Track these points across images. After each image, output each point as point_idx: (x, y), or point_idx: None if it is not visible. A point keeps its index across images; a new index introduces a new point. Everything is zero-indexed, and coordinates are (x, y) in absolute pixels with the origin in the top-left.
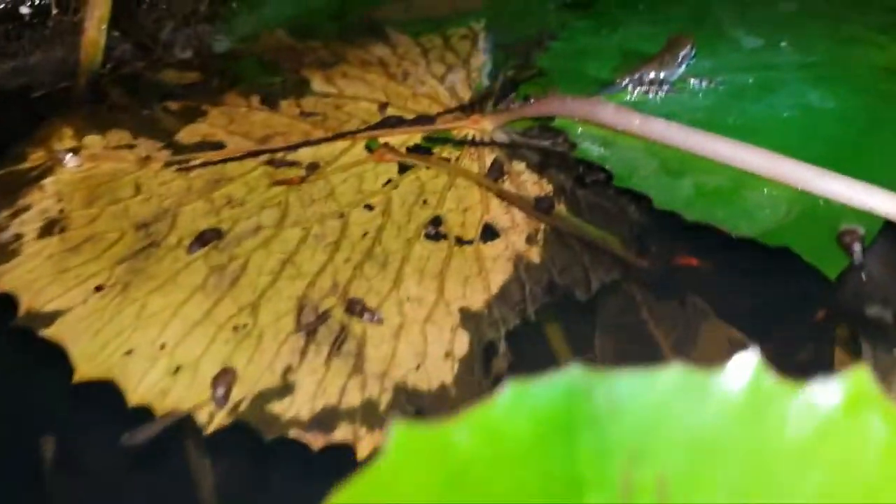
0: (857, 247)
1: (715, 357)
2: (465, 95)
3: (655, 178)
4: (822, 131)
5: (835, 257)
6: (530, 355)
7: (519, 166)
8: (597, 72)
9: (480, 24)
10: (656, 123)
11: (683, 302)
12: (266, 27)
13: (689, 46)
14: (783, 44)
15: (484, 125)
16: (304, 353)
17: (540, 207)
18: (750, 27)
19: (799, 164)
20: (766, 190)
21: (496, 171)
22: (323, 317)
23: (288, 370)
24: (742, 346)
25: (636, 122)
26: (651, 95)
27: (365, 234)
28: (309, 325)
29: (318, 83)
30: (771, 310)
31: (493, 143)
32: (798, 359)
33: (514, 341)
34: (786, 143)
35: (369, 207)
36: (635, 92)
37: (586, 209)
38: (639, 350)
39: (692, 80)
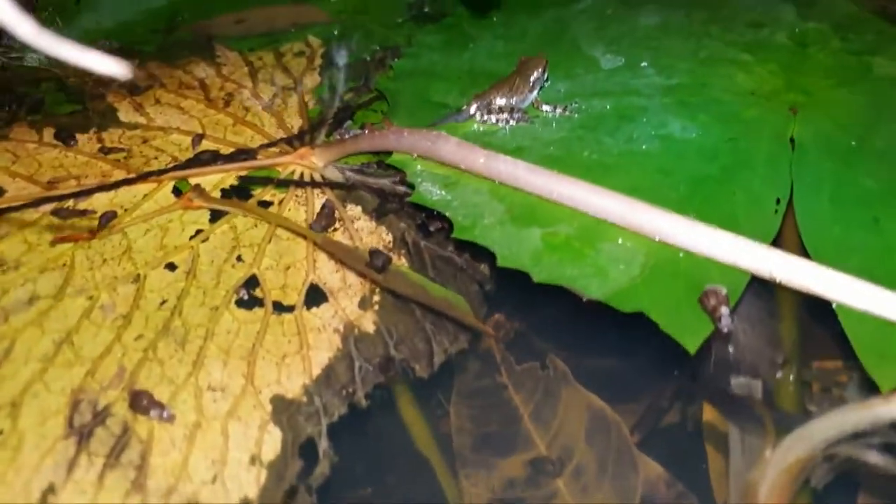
0: (723, 311)
1: (576, 429)
2: (295, 123)
3: (501, 229)
4: (683, 168)
5: (696, 324)
6: (369, 440)
7: (354, 210)
8: (443, 96)
9: (319, 39)
10: (502, 162)
11: (543, 364)
12: (82, 41)
13: (541, 69)
14: (643, 64)
15: (313, 160)
16: (73, 465)
17: (375, 264)
18: (609, 44)
19: (656, 211)
20: (621, 240)
21: (326, 218)
22: (101, 415)
23: (49, 490)
24: (602, 416)
25: (480, 160)
26: (501, 125)
27: (163, 303)
28: (83, 426)
29: (125, 112)
30: (632, 372)
31: (323, 184)
32: (662, 425)
33: (341, 431)
34: (644, 182)
35: (171, 267)
36: (484, 120)
37: (430, 263)
38: (498, 418)
39: (545, 107)
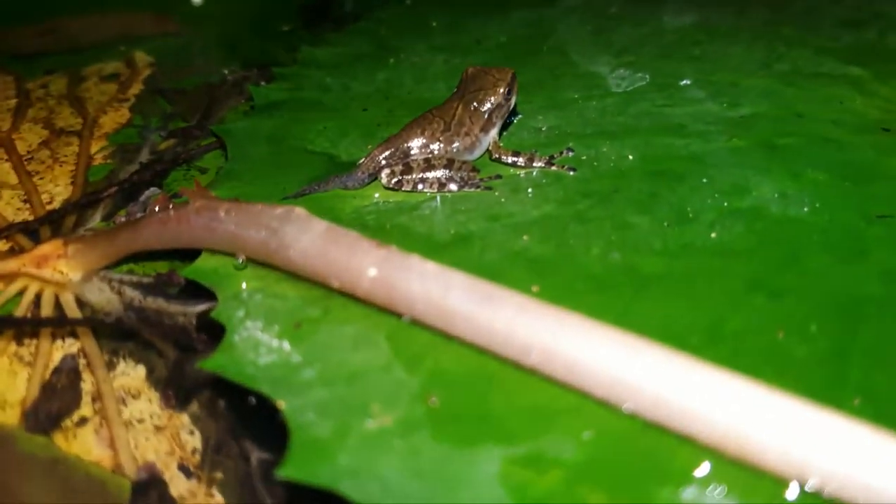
0: None
1: None
2: (58, 193)
3: (406, 464)
4: (802, 285)
5: None
6: None
7: (129, 378)
8: (327, 141)
9: (152, 56)
10: (418, 279)
11: None
12: None
13: (504, 91)
14: (685, 82)
15: (62, 269)
16: None
17: None
18: (619, 53)
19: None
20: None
21: (59, 401)
22: None
23: None
24: None
25: (369, 273)
26: (429, 193)
27: None
28: None
29: None
30: None
31: (73, 321)
32: None
33: None
34: (722, 317)
35: None
36: (395, 186)
37: None
38: None
39: (511, 158)
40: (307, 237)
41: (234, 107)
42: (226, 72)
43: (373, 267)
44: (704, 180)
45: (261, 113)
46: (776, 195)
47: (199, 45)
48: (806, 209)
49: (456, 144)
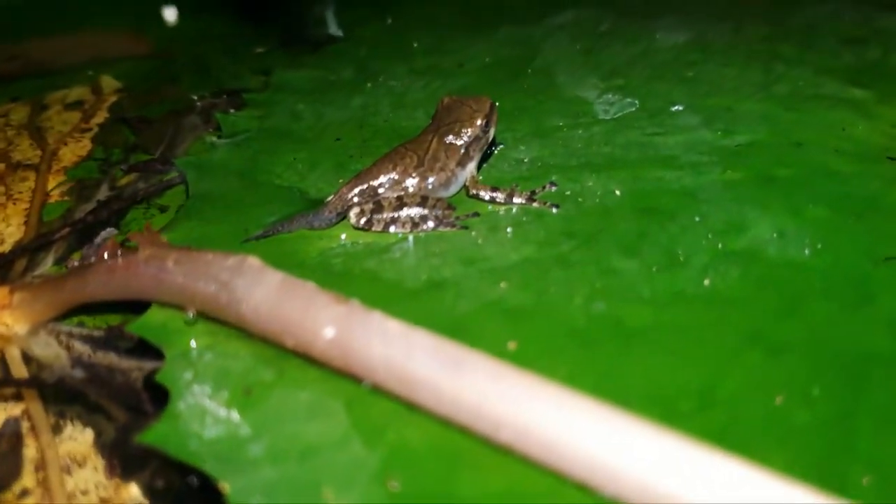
0: None
1: None
2: (9, 234)
3: None
4: (803, 340)
5: None
6: None
7: (75, 443)
8: (294, 175)
9: (121, 82)
10: (379, 342)
11: None
12: None
13: (482, 121)
14: (676, 107)
15: (6, 320)
16: None
17: None
18: (608, 76)
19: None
20: None
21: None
22: None
23: None
24: None
25: (325, 335)
26: (400, 234)
27: None
28: None
29: None
30: None
31: (17, 383)
32: None
33: None
34: (715, 380)
35: None
36: (365, 226)
37: None
38: None
39: (489, 194)
40: (260, 291)
41: (200, 137)
42: (195, 98)
43: (329, 326)
44: (697, 218)
45: (228, 144)
46: (774, 235)
47: (171, 68)
48: (807, 251)
49: (430, 180)
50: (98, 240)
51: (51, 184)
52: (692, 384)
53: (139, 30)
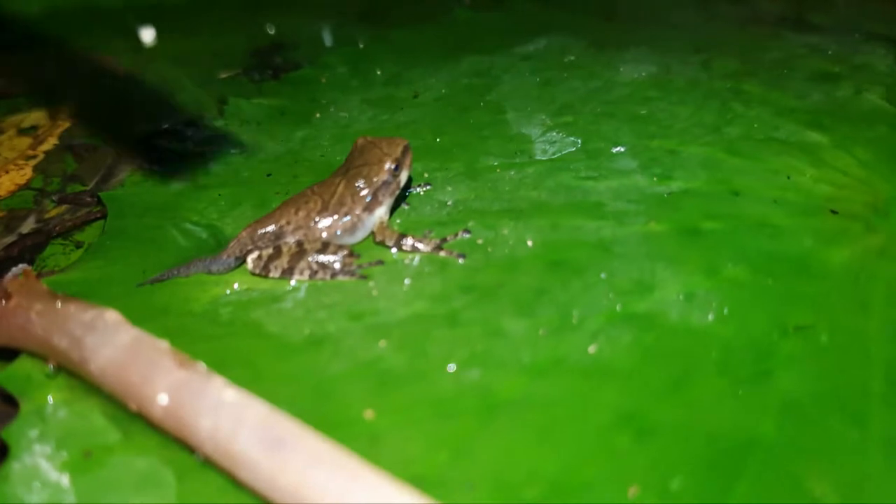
0: None
1: None
2: None
3: None
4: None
5: None
6: None
7: None
8: (212, 214)
9: (80, 106)
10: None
11: None
12: None
13: (390, 165)
14: (618, 149)
15: None
16: None
17: None
18: (559, 112)
19: None
20: None
21: None
22: None
23: None
24: None
25: (159, 401)
26: (293, 283)
27: None
28: None
29: None
30: None
31: None
32: None
33: None
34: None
35: None
36: (262, 272)
37: None
38: None
39: (402, 243)
40: (107, 350)
41: (139, 168)
42: (145, 126)
43: (164, 393)
44: (603, 275)
45: (160, 176)
46: (681, 297)
47: (137, 92)
48: (711, 316)
49: (334, 226)
50: (9, 276)
51: None
52: (546, 469)
53: (116, 51)
